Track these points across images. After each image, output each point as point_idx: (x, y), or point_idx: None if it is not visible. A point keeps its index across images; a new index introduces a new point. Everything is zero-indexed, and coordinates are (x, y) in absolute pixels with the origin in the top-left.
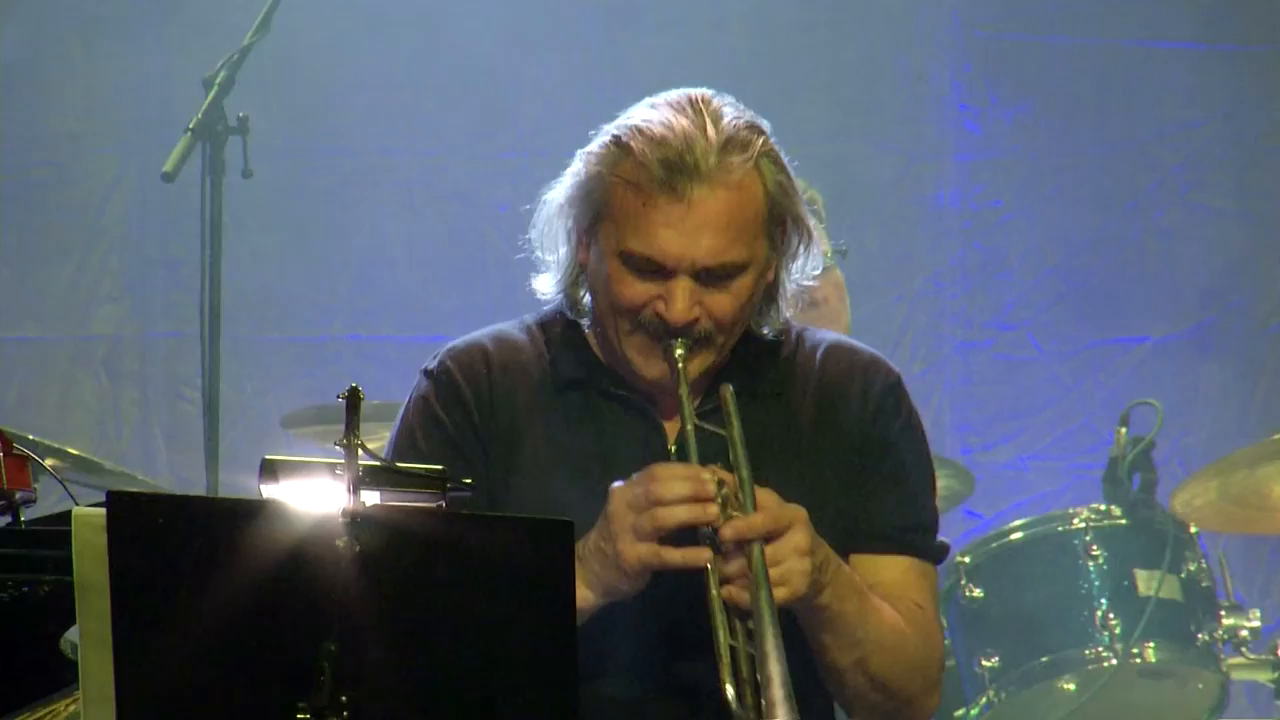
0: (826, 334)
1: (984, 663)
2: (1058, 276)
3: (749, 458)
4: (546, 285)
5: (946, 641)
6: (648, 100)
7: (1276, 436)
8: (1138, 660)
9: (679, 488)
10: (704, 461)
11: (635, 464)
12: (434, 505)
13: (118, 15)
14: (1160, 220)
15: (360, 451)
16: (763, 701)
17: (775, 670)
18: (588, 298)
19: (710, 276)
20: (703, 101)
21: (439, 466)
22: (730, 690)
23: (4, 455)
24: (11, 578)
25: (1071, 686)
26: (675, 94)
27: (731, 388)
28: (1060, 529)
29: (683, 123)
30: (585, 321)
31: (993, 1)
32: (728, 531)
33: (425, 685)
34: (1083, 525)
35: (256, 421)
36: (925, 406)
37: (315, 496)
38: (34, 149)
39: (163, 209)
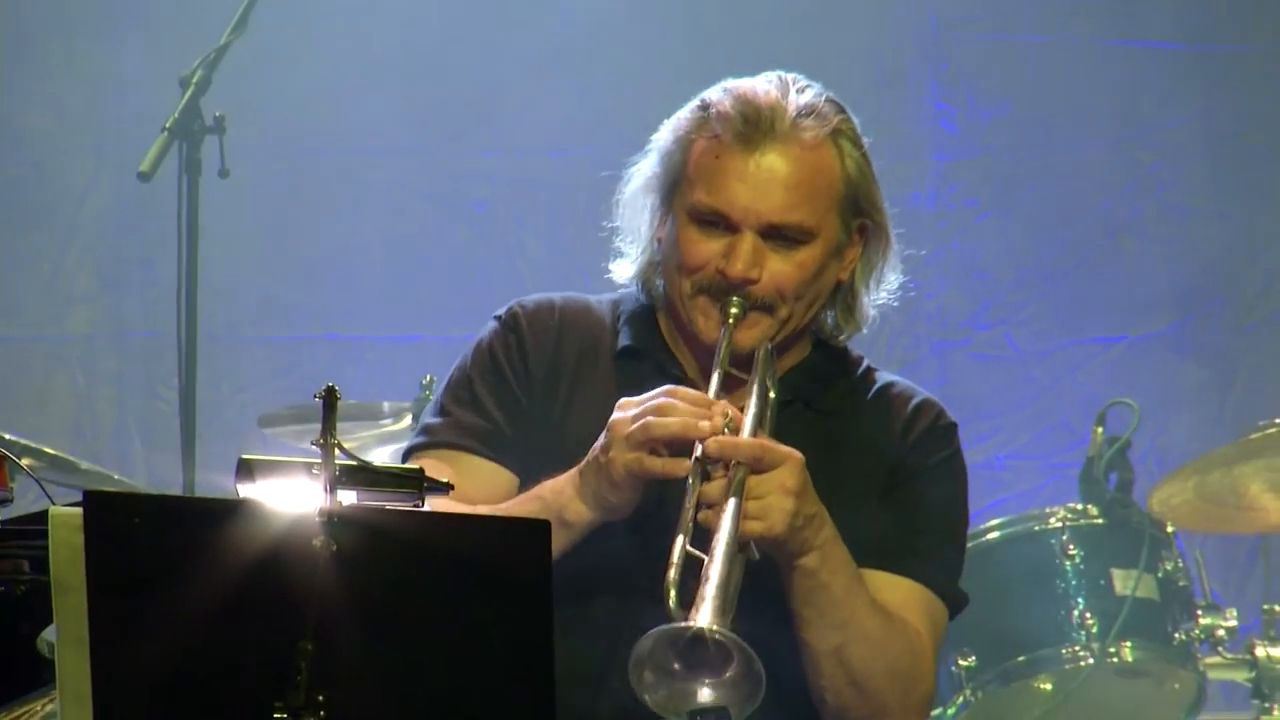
0: (893, 375)
1: (961, 662)
2: (1035, 276)
3: (769, 410)
4: (625, 270)
5: None
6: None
7: (1254, 435)
8: (1114, 659)
9: (681, 407)
10: None
11: None
12: (411, 505)
13: (94, 14)
14: (1137, 220)
15: (337, 451)
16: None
17: (716, 573)
18: (662, 285)
19: (776, 237)
20: (790, 79)
21: (417, 466)
22: (673, 593)
23: None
24: None
25: (1048, 686)
26: (768, 73)
27: (770, 346)
28: (1037, 528)
29: (768, 88)
30: (658, 305)
31: (970, 1)
32: (712, 446)
33: (402, 685)
34: (1059, 525)
35: (233, 421)
36: None
37: (292, 496)
38: (10, 148)
39: (139, 208)
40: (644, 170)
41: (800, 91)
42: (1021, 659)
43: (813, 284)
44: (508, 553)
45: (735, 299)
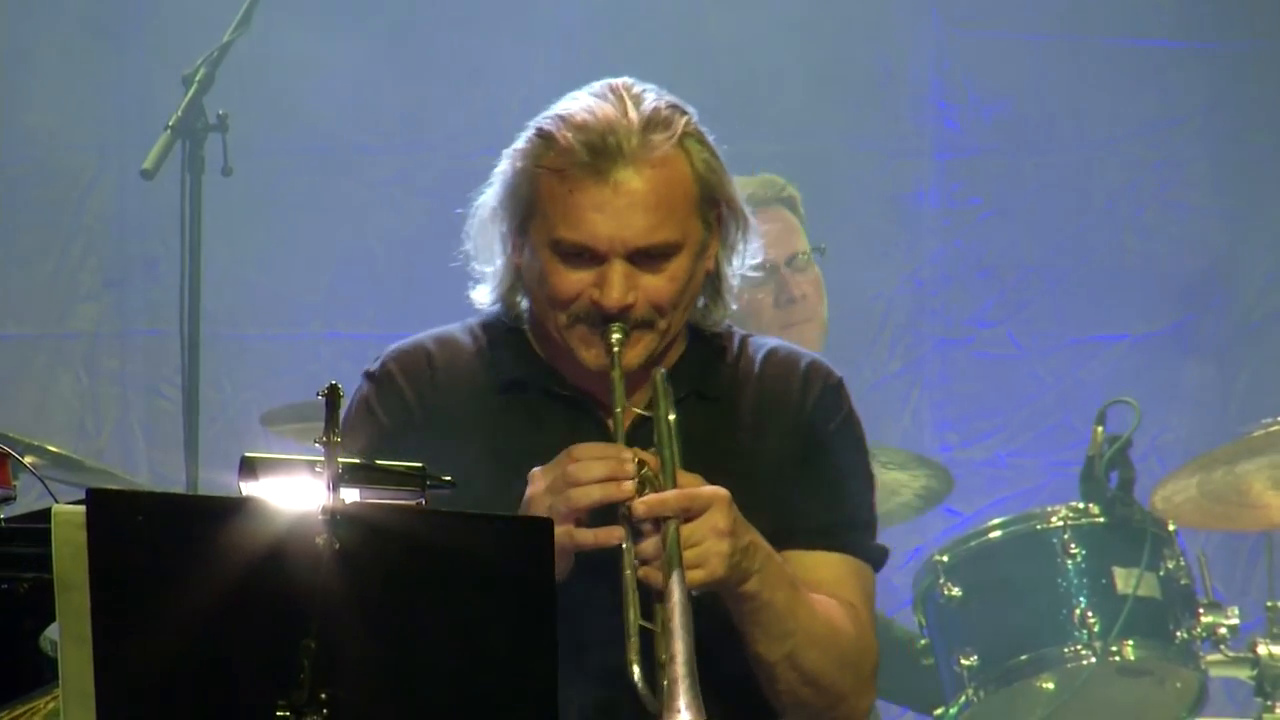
0: (768, 339)
1: (963, 661)
2: (1037, 274)
3: (677, 440)
4: (483, 296)
5: (924, 641)
6: (569, 94)
7: (1256, 433)
8: (1116, 658)
9: (595, 468)
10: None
11: None
12: (413, 502)
13: (97, 12)
14: (1139, 218)
15: (340, 449)
16: (665, 680)
17: (679, 648)
18: (525, 302)
19: (643, 258)
20: (623, 87)
21: (419, 464)
22: (636, 670)
23: None
24: None
25: (1050, 685)
26: (596, 84)
27: (664, 371)
28: (1039, 527)
29: (604, 107)
30: (525, 325)
31: None
32: (640, 508)
33: (404, 683)
34: (1061, 523)
35: (236, 419)
36: (904, 404)
37: (295, 494)
38: (12, 146)
39: (142, 206)
40: (489, 201)
41: (638, 102)
42: (1023, 658)
43: (686, 290)
44: (511, 551)
45: (616, 325)
